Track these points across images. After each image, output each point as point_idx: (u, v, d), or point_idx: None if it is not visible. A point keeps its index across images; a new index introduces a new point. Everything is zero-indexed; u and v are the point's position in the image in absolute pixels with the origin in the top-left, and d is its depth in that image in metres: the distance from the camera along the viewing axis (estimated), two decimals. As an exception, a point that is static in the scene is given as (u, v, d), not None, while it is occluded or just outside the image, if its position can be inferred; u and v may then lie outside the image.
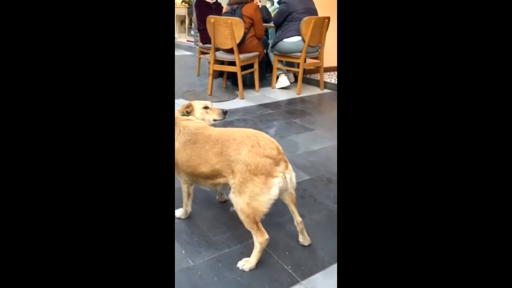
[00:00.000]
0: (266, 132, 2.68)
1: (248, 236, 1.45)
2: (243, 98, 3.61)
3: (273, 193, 1.24)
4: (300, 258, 1.37)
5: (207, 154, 1.32)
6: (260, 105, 3.42)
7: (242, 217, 1.28)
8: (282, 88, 3.99)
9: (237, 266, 1.31)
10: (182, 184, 1.53)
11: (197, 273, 1.28)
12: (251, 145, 1.25)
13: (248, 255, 1.33)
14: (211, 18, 3.48)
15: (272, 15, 4.28)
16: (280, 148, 1.30)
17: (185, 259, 1.35)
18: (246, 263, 1.30)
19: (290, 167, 1.30)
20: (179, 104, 3.39)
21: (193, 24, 6.92)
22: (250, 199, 1.23)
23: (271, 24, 4.08)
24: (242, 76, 3.62)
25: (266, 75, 4.26)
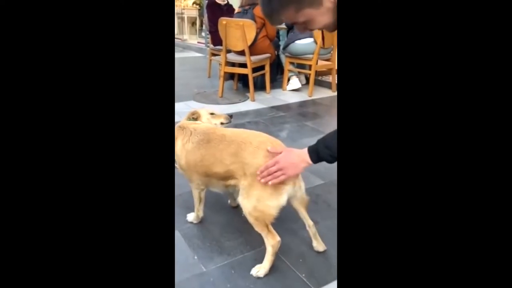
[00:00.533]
0: (277, 136, 2.69)
1: (262, 242, 1.43)
2: (254, 100, 3.59)
3: (282, 200, 1.23)
4: (314, 265, 1.34)
5: (221, 154, 1.31)
6: (272, 107, 3.39)
7: (251, 220, 1.27)
8: (293, 90, 3.96)
9: (251, 273, 1.29)
10: (193, 189, 1.52)
11: (209, 280, 1.27)
12: (267, 151, 1.24)
13: (261, 261, 1.31)
14: (223, 20, 3.47)
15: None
16: None
17: (198, 264, 1.34)
18: (260, 269, 1.29)
19: (300, 176, 1.30)
20: (190, 105, 3.41)
21: (204, 26, 6.94)
22: (257, 202, 1.22)
23: (283, 25, 4.06)
24: (253, 78, 3.61)
25: (277, 77, 4.24)
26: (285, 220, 1.55)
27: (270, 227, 1.26)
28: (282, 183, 1.20)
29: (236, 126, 2.86)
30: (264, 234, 1.27)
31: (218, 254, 1.39)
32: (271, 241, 1.26)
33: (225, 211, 1.70)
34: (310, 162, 1.12)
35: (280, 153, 1.19)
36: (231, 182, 1.32)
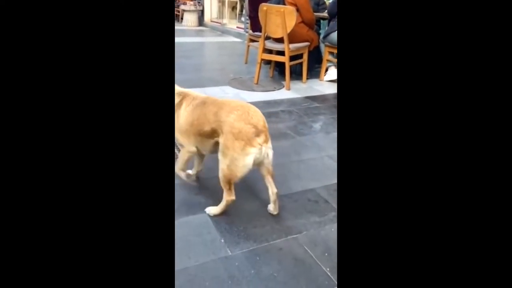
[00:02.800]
0: (311, 127, 2.65)
1: (288, 232, 1.46)
2: (289, 89, 3.55)
3: (248, 161, 1.39)
4: (340, 261, 1.33)
5: (209, 114, 1.50)
6: (307, 97, 3.34)
7: (220, 175, 1.47)
8: (330, 81, 3.87)
9: (205, 210, 1.56)
10: (182, 152, 1.65)
11: (234, 264, 1.29)
12: (241, 112, 1.42)
13: (286, 251, 1.33)
14: (264, 6, 3.43)
15: (327, 4, 4.13)
16: (266, 123, 1.46)
17: (224, 248, 1.37)
18: (212, 209, 1.56)
19: (269, 143, 1.45)
20: (225, 91, 3.44)
21: (244, 11, 6.90)
22: (230, 162, 1.42)
23: (324, 13, 3.94)
24: (290, 66, 3.55)
25: (315, 66, 4.15)
26: (313, 213, 1.55)
27: (232, 187, 1.48)
28: (250, 144, 1.37)
29: (270, 113, 2.86)
30: (225, 190, 1.49)
31: (245, 240, 1.42)
32: (227, 197, 1.50)
33: (254, 200, 1.71)
34: None
35: None
36: (217, 139, 1.49)
